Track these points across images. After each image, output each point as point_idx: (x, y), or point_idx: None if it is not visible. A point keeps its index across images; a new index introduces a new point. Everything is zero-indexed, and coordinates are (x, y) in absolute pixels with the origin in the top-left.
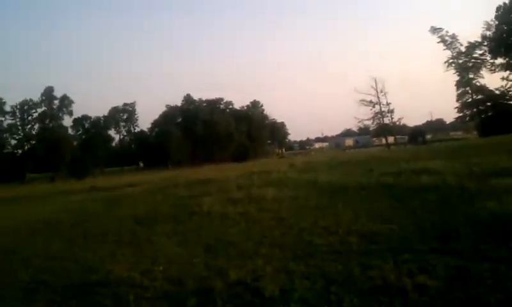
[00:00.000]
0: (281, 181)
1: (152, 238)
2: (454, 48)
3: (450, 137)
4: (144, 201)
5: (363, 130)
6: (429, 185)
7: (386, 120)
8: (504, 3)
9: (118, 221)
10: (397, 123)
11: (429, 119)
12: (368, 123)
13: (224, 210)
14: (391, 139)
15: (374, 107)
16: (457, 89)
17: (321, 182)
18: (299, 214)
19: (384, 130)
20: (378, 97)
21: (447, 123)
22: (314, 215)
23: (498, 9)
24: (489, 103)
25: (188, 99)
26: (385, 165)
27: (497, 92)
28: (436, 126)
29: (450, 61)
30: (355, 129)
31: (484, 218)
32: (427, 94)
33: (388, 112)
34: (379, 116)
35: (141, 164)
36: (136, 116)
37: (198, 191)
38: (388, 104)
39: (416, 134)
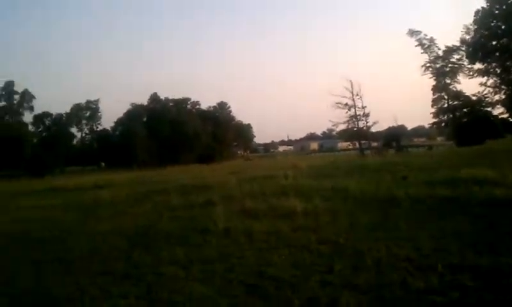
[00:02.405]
0: (298, 189)
1: (160, 270)
2: (431, 52)
3: (424, 144)
4: (130, 212)
5: (327, 134)
6: (504, 199)
7: (361, 124)
8: (483, 7)
9: (102, 240)
10: (371, 127)
11: (392, 125)
12: (343, 126)
13: (246, 227)
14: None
15: (349, 110)
16: (433, 94)
17: (353, 191)
18: (355, 236)
19: (358, 134)
20: (354, 100)
21: (409, 129)
22: (377, 238)
23: (476, 13)
24: (465, 110)
25: (154, 98)
26: (414, 173)
27: (474, 98)
28: (398, 132)
29: (428, 65)
30: (319, 133)
31: None
32: (393, 99)
33: (363, 115)
34: (354, 119)
35: (103, 164)
36: (99, 113)
37: (197, 199)
38: (363, 107)
39: (391, 139)
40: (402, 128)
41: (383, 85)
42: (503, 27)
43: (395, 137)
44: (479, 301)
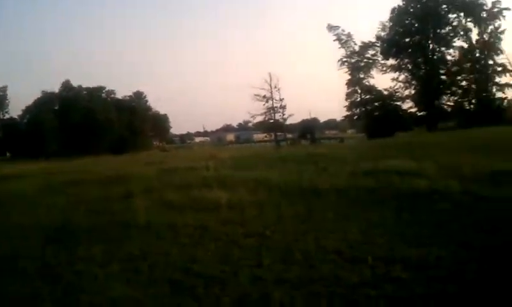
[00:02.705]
0: (221, 181)
1: (77, 268)
2: (348, 47)
3: (336, 136)
4: (44, 205)
5: (243, 126)
6: (426, 191)
7: (278, 116)
8: (399, 5)
9: (13, 236)
10: (287, 119)
11: (306, 118)
12: (261, 118)
13: (169, 220)
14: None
15: (267, 102)
16: (348, 88)
17: (277, 183)
18: (283, 229)
19: (274, 126)
20: (271, 92)
21: (321, 121)
22: (305, 231)
23: (393, 10)
24: (377, 103)
25: (67, 85)
26: (333, 164)
27: (386, 92)
28: (312, 124)
29: (344, 59)
30: (235, 125)
31: None
32: (309, 93)
33: (280, 108)
34: (271, 111)
35: (8, 154)
36: (7, 101)
37: (115, 191)
38: (281, 100)
39: (306, 131)
40: (315, 121)
41: (300, 79)
42: (416, 25)
43: (309, 129)
44: (412, 294)
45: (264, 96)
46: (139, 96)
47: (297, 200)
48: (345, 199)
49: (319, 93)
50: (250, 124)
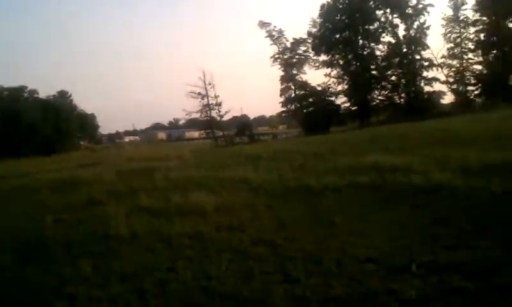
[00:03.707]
0: (193, 182)
1: (68, 290)
2: (280, 44)
3: (268, 132)
4: (4, 215)
5: (174, 124)
6: (431, 186)
7: (214, 113)
8: (328, 2)
9: None
10: (224, 116)
11: (236, 115)
12: (197, 115)
13: (158, 229)
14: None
15: (202, 99)
16: (281, 84)
17: (260, 183)
18: (291, 235)
19: (210, 123)
20: (206, 89)
21: (251, 118)
22: (325, 236)
23: (322, 7)
24: (311, 99)
25: None
26: (308, 161)
27: (319, 88)
28: (249, 121)
29: (276, 56)
30: (165, 123)
31: None
32: (237, 90)
33: (216, 105)
34: (206, 108)
35: None
36: None
37: (77, 198)
38: (216, 97)
39: (244, 128)
40: (245, 117)
41: (230, 76)
42: (346, 21)
43: (246, 126)
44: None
45: (199, 93)
46: (63, 95)
47: (292, 201)
48: (348, 199)
49: (248, 90)
50: (181, 122)
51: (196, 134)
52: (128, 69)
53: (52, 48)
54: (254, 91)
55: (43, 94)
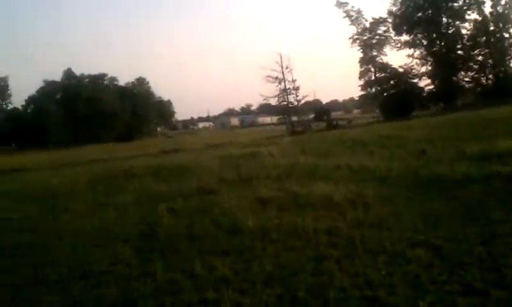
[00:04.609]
0: (302, 170)
1: (209, 295)
2: (359, 24)
3: (343, 117)
4: (110, 204)
5: (245, 110)
6: None
7: (291, 98)
8: None
9: (90, 245)
10: (301, 101)
11: (309, 100)
12: (274, 100)
13: (287, 223)
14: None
15: (280, 83)
16: (361, 66)
17: (384, 172)
18: (452, 235)
19: (289, 108)
20: (283, 73)
21: (323, 103)
22: (485, 237)
23: None
24: (392, 82)
25: (69, 74)
26: (427, 147)
27: (401, 70)
28: (326, 106)
29: (355, 37)
30: (237, 108)
31: None
32: (316, 73)
33: (293, 89)
34: (284, 93)
35: (13, 145)
36: (8, 91)
37: (185, 185)
38: (293, 81)
39: (322, 113)
40: (318, 102)
41: (306, 58)
42: None
43: (324, 111)
44: None
45: (276, 78)
46: (141, 82)
47: (431, 193)
48: (497, 192)
49: (320, 73)
50: (253, 107)
51: (268, 119)
52: (205, 56)
53: (130, 38)
54: (326, 75)
55: (122, 81)
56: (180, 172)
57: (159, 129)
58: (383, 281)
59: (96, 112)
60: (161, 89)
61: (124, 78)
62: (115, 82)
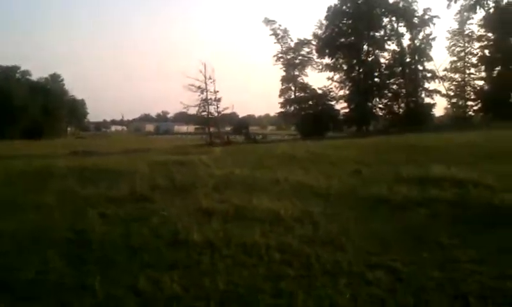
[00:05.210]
0: (246, 182)
1: None
2: (284, 43)
3: (272, 133)
4: (30, 205)
5: (162, 117)
6: None
7: (212, 109)
8: (335, 4)
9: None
10: (222, 112)
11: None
12: (194, 109)
13: (238, 238)
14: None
15: (202, 93)
16: (282, 84)
17: (323, 189)
18: (405, 258)
19: (207, 119)
20: (206, 83)
21: (239, 116)
22: (439, 262)
23: (329, 9)
24: (311, 102)
25: None
26: (361, 167)
27: (320, 91)
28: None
29: (279, 55)
30: (153, 115)
31: None
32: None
33: (215, 100)
34: (205, 103)
35: None
36: None
37: (114, 190)
38: (215, 92)
39: (241, 126)
40: (235, 115)
41: (224, 71)
42: (352, 26)
43: (243, 124)
44: None
45: (199, 87)
46: (55, 78)
47: (375, 214)
48: (440, 216)
49: (238, 87)
50: (169, 115)
51: (184, 128)
52: (123, 59)
53: (49, 30)
54: (245, 89)
55: (35, 76)
56: (106, 175)
57: (69, 129)
58: (348, 304)
59: (6, 107)
60: (76, 88)
61: (39, 73)
62: (27, 76)
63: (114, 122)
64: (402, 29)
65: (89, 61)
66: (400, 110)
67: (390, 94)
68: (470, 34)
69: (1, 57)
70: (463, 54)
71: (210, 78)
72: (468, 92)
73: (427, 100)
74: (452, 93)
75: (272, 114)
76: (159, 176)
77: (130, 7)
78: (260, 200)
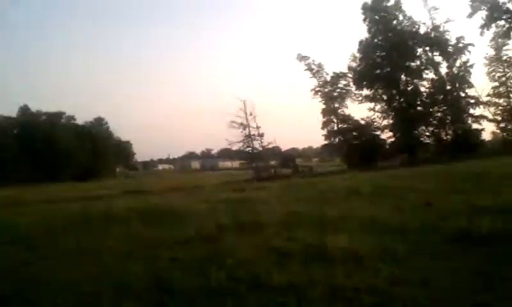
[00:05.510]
0: (310, 219)
1: None
2: (320, 77)
3: (317, 164)
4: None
5: (206, 154)
6: None
7: (256, 144)
8: (366, 38)
9: None
10: (266, 147)
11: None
12: (238, 145)
13: (322, 280)
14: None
15: (244, 129)
16: (323, 117)
17: (396, 224)
18: None
19: (253, 154)
20: (247, 119)
21: (282, 149)
22: None
23: (360, 43)
24: (355, 133)
25: (25, 110)
26: (431, 198)
27: (363, 122)
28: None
29: (317, 89)
30: (197, 152)
31: None
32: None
33: (258, 135)
34: (248, 139)
35: None
36: None
37: (179, 231)
38: (258, 127)
39: (288, 159)
40: (278, 149)
41: (265, 107)
42: (385, 57)
43: (291, 157)
44: None
45: (241, 124)
46: (99, 122)
47: (460, 248)
48: None
49: (279, 121)
50: (213, 152)
51: (228, 164)
52: (166, 98)
53: (90, 77)
54: (286, 123)
55: (80, 120)
56: (168, 216)
57: (118, 169)
58: None
59: (54, 151)
60: (120, 130)
61: (82, 117)
62: (72, 121)
63: (161, 161)
64: (438, 58)
65: (132, 103)
66: (448, 137)
67: (435, 122)
68: (509, 59)
69: (46, 103)
70: (504, 79)
71: (251, 114)
72: None
73: (474, 125)
74: (499, 118)
75: (315, 146)
76: (222, 215)
77: (171, 46)
78: (334, 238)
